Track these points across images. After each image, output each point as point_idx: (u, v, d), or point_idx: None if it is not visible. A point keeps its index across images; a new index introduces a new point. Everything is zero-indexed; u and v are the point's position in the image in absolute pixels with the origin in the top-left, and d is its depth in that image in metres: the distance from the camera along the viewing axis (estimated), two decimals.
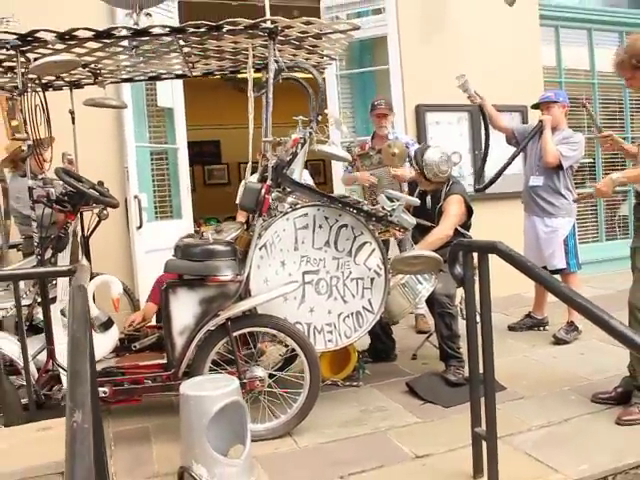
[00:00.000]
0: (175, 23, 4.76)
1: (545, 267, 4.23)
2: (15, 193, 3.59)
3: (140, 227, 4.52)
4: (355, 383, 3.60)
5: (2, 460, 2.08)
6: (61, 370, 2.86)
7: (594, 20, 6.85)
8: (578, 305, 1.98)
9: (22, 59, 2.68)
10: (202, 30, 2.66)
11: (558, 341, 4.25)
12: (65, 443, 1.22)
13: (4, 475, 2.00)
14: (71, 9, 3.95)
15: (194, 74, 3.58)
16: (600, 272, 6.22)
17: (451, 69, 5.55)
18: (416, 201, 3.42)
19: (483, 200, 5.47)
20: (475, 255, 2.45)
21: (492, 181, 4.34)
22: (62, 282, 3.18)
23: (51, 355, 2.83)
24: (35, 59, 2.86)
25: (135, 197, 4.48)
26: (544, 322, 4.64)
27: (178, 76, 3.78)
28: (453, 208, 3.65)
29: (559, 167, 4.21)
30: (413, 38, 5.42)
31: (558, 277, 4.34)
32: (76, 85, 3.51)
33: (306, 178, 4.58)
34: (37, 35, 2.54)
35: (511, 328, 4.66)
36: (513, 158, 4.35)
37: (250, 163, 2.95)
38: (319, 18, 5.48)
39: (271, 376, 3.00)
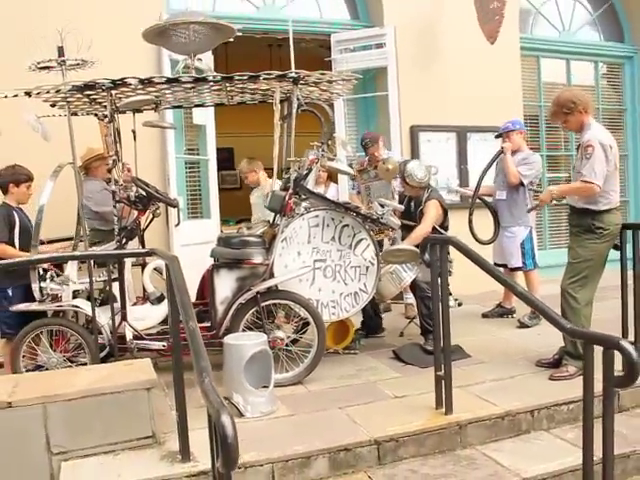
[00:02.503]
0: (208, 55, 5.69)
1: (506, 265, 5.17)
2: (87, 193, 4.45)
3: (178, 224, 5.44)
4: (353, 351, 4.51)
5: (106, 380, 3.02)
6: (130, 328, 3.78)
7: (572, 52, 7.79)
8: (507, 285, 2.90)
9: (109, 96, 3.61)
10: (245, 77, 3.59)
11: (522, 325, 5.15)
12: (188, 338, 2.15)
13: (110, 387, 2.94)
14: (127, 45, 4.86)
15: (230, 103, 4.51)
16: None
17: (442, 95, 6.53)
18: (400, 207, 4.37)
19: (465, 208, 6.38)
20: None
21: (474, 196, 5.17)
22: (128, 264, 4.11)
23: (124, 317, 3.75)
24: (115, 94, 3.81)
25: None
26: (512, 311, 5.53)
27: (217, 104, 4.71)
28: (431, 211, 4.57)
29: (521, 184, 5.13)
30: (409, 69, 6.34)
31: (521, 274, 5.29)
32: (138, 110, 4.43)
33: (332, 192, 5.70)
34: (125, 80, 3.47)
35: (484, 316, 5.57)
36: (480, 180, 5.21)
37: (275, 176, 3.88)
38: (329, 48, 6.43)
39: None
